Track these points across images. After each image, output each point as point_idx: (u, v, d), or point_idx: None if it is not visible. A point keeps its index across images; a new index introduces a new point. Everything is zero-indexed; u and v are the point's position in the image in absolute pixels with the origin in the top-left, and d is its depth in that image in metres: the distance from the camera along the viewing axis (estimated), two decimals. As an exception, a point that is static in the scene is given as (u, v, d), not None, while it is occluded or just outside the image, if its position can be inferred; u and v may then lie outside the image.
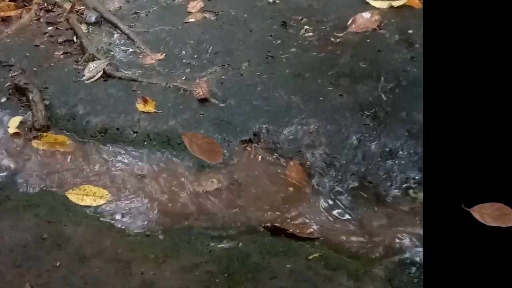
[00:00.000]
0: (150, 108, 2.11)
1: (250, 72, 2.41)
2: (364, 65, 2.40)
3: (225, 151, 1.92)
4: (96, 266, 1.42)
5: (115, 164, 1.87)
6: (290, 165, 1.84)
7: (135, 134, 1.99)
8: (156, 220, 1.67)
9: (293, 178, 1.80)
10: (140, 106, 2.11)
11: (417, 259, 1.51)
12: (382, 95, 2.17)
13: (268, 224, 1.58)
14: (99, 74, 2.27)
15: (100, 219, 1.63)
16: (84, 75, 2.29)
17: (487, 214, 1.37)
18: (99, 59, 2.37)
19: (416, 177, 1.79)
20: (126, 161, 1.89)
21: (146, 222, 1.65)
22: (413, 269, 1.45)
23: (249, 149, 1.96)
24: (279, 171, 1.84)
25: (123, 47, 2.59)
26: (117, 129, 2.00)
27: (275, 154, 1.92)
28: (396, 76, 2.27)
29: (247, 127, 2.04)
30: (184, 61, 2.52)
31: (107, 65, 2.34)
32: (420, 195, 1.70)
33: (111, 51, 2.52)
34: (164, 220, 1.66)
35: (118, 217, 1.66)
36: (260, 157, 1.92)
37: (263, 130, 2.03)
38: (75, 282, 1.37)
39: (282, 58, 2.50)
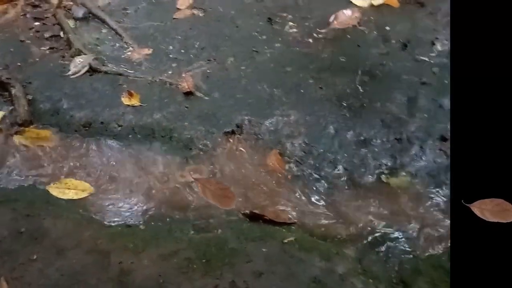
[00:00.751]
0: (135, 101, 2.12)
1: (235, 66, 2.44)
2: (343, 60, 2.45)
3: (208, 142, 1.95)
4: (74, 258, 1.41)
5: (99, 157, 1.86)
6: (270, 155, 1.88)
7: (120, 127, 1.99)
8: (138, 211, 1.66)
9: (273, 167, 1.84)
10: (126, 100, 2.12)
11: (386, 239, 1.56)
12: (359, 87, 2.23)
13: (247, 211, 1.61)
14: (85, 69, 2.27)
15: (81, 212, 1.61)
16: (69, 70, 2.27)
17: (487, 209, 1.39)
18: (85, 54, 2.35)
19: (388, 164, 1.85)
20: (110, 154, 1.88)
21: (128, 213, 1.64)
22: (382, 249, 1.51)
23: (231, 140, 1.99)
24: (260, 160, 1.88)
25: (110, 43, 2.58)
26: (102, 122, 1.99)
27: (257, 144, 1.96)
28: (373, 70, 2.33)
29: (230, 119, 2.07)
30: (171, 56, 2.54)
31: (93, 59, 2.33)
32: (392, 180, 1.76)
33: (98, 46, 2.51)
34: (146, 210, 1.67)
35: (100, 209, 1.63)
36: (242, 147, 1.96)
37: (245, 122, 2.06)
38: (51, 274, 1.35)
39: (266, 53, 2.54)
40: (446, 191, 1.74)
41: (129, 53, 2.53)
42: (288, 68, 2.41)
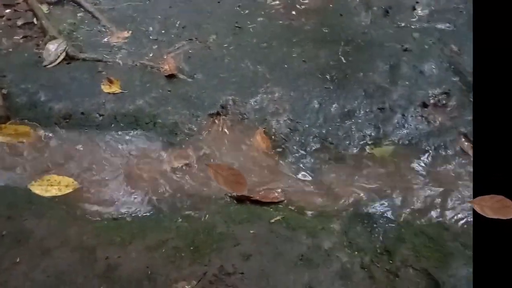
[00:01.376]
0: (116, 88, 2.04)
1: (218, 44, 2.35)
2: (326, 30, 2.37)
3: (193, 126, 1.90)
4: (59, 257, 1.36)
5: (81, 149, 1.79)
6: (256, 134, 1.84)
7: (101, 117, 1.92)
8: (125, 203, 1.62)
9: (259, 146, 1.81)
10: (106, 88, 2.04)
11: (371, 211, 1.57)
12: (342, 58, 2.17)
13: (234, 194, 1.59)
14: (61, 58, 2.16)
15: (66, 208, 1.54)
16: (45, 59, 2.16)
17: (487, 206, 1.36)
18: (61, 41, 2.24)
19: (372, 134, 1.84)
20: (93, 145, 1.81)
21: (114, 206, 1.60)
22: (367, 221, 1.52)
23: (217, 122, 1.94)
24: (246, 140, 1.84)
25: (87, 27, 2.46)
26: (82, 113, 1.92)
27: (242, 124, 1.91)
28: (355, 39, 2.26)
29: (215, 100, 2.01)
30: (151, 37, 2.43)
31: (68, 46, 2.21)
32: (376, 150, 1.75)
33: (74, 32, 2.39)
34: (132, 202, 1.63)
35: (85, 204, 1.57)
36: (228, 128, 1.91)
37: (230, 102, 2.01)
38: (36, 276, 1.30)
39: (249, 29, 2.44)
40: (428, 158, 1.73)
41: (108, 37, 2.42)
42: (272, 43, 2.33)
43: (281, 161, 1.77)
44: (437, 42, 2.21)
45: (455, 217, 1.53)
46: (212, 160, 1.77)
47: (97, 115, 1.93)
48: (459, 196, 1.60)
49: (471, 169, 1.67)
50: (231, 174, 1.58)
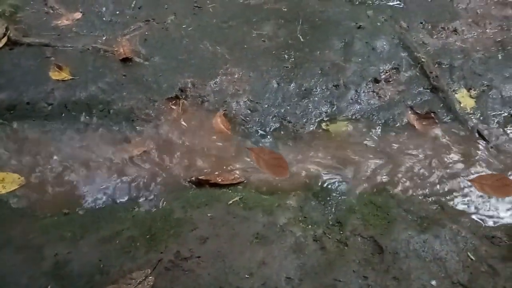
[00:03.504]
0: (65, 75, 1.85)
1: (176, 25, 2.18)
2: (285, 9, 2.25)
3: (151, 112, 1.77)
4: (2, 259, 1.25)
5: (28, 142, 1.62)
6: (216, 117, 1.74)
7: (50, 106, 1.74)
8: (77, 196, 1.50)
9: (219, 129, 1.72)
10: (54, 74, 1.84)
11: (325, 185, 1.58)
12: (300, 37, 2.09)
13: (192, 178, 1.51)
14: (3, 43, 1.90)
15: (12, 206, 1.41)
16: (-16, 45, 1.92)
17: (487, 184, 1.29)
18: (2, 24, 1.96)
19: (328, 111, 1.80)
20: (41, 137, 1.65)
21: (65, 200, 1.46)
22: (322, 195, 1.51)
23: (176, 106, 1.80)
24: (206, 124, 1.74)
25: (32, 8, 2.19)
26: (28, 103, 1.73)
27: (202, 107, 1.80)
28: (313, 17, 2.19)
29: (173, 83, 1.88)
30: (104, 19, 2.21)
31: (10, 30, 1.95)
32: (331, 126, 1.73)
33: (17, 14, 2.11)
34: (85, 194, 1.52)
35: (32, 200, 1.44)
36: (187, 112, 1.79)
37: (189, 85, 1.88)
38: None
39: (209, 8, 2.28)
40: (378, 131, 1.72)
41: (56, 19, 2.16)
42: (231, 23, 2.19)
43: (241, 143, 1.69)
44: (389, 19, 2.16)
45: (400, 185, 1.57)
46: (170, 146, 1.65)
47: (45, 104, 1.74)
48: (405, 166, 1.64)
49: (417, 140, 1.68)
50: (272, 158, 1.51)
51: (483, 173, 1.53)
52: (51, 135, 1.65)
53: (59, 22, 2.16)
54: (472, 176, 1.50)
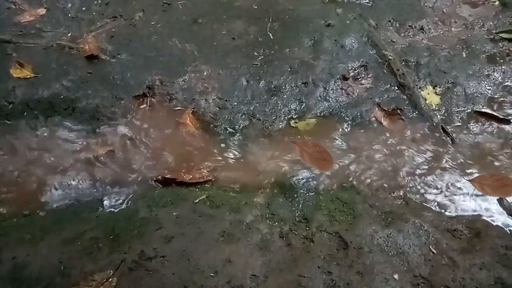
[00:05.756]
0: (27, 72, 1.78)
1: (144, 22, 2.13)
2: (256, 7, 2.24)
3: (117, 110, 1.72)
4: None
5: None
6: (184, 115, 1.71)
7: (11, 105, 1.67)
8: (38, 196, 1.45)
9: (187, 127, 1.70)
10: (16, 72, 1.77)
11: (293, 182, 1.58)
12: (270, 35, 2.08)
13: (159, 177, 1.48)
14: (-42, 39, 1.81)
15: None
16: None
17: (487, 184, 1.27)
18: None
19: (297, 108, 1.80)
20: (1, 137, 1.57)
21: (24, 201, 1.41)
22: (289, 192, 1.50)
23: (143, 104, 1.77)
24: (174, 122, 1.71)
25: (-6, 4, 2.08)
26: (-13, 101, 1.65)
27: (170, 105, 1.76)
28: (283, 15, 2.18)
29: (140, 81, 1.84)
30: (70, 15, 2.14)
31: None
32: (300, 123, 1.73)
33: (-24, 10, 2.01)
34: (47, 195, 1.46)
35: None
36: (155, 110, 1.76)
37: (157, 82, 1.85)
38: None
39: (178, 5, 2.24)
40: (346, 128, 1.74)
41: (18, 15, 2.08)
42: (201, 20, 2.16)
43: (209, 141, 1.67)
44: (358, 18, 2.18)
45: (366, 181, 1.58)
46: (136, 144, 1.62)
47: (6, 103, 1.67)
48: (371, 161, 1.65)
49: (384, 136, 1.71)
50: (316, 151, 1.47)
51: (447, 168, 1.56)
52: (11, 135, 1.58)
53: (21, 18, 2.08)
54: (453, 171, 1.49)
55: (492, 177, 1.37)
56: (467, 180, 1.41)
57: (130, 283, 1.17)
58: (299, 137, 1.68)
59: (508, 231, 1.40)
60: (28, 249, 1.22)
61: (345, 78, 1.91)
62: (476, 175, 1.52)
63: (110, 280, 1.17)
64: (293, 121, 1.76)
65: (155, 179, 1.51)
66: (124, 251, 1.23)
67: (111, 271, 1.18)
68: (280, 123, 1.76)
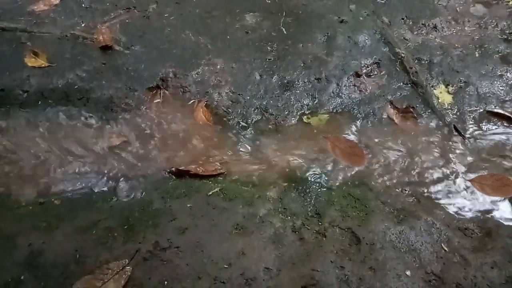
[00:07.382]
0: (42, 62, 1.76)
1: (158, 14, 2.11)
2: (269, 1, 2.22)
3: (131, 101, 1.71)
4: None
5: (2, 130, 1.53)
6: (198, 108, 1.70)
7: (26, 93, 1.66)
8: (54, 185, 1.44)
9: (201, 120, 1.69)
10: (30, 61, 1.75)
11: (305, 177, 1.57)
12: (283, 29, 2.05)
13: (172, 169, 1.47)
14: (-27, 27, 1.80)
15: None
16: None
17: (487, 184, 1.27)
18: (-26, 9, 1.86)
19: (309, 104, 1.78)
20: (16, 125, 1.56)
21: (40, 190, 1.40)
22: (302, 187, 1.50)
23: (157, 96, 1.75)
24: (187, 114, 1.70)
25: (7, -7, 2.06)
26: (2, 90, 1.64)
27: (183, 98, 1.75)
28: (297, 10, 2.15)
29: (154, 73, 1.82)
30: (83, 5, 2.12)
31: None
32: (312, 119, 1.72)
33: (-9, -2, 2.00)
34: (62, 184, 1.45)
35: (2, 189, 1.37)
36: (168, 103, 1.74)
37: (170, 75, 1.83)
38: None
39: (192, -3, 2.19)
40: (359, 124, 1.72)
41: (33, 4, 2.06)
42: (215, 13, 2.14)
43: (222, 134, 1.66)
44: (371, 14, 2.15)
45: (379, 179, 1.56)
46: (150, 136, 1.61)
47: (21, 91, 1.66)
48: (384, 159, 1.64)
49: (396, 134, 1.69)
50: (348, 146, 1.47)
51: (458, 167, 1.55)
52: (26, 123, 1.57)
53: (36, 7, 2.07)
54: (465, 171, 1.48)
55: (492, 177, 1.36)
56: (467, 180, 1.40)
57: (144, 273, 1.18)
58: (305, 133, 1.67)
59: (520, 231, 1.39)
60: (43, 236, 1.22)
61: (358, 75, 1.89)
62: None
63: (125, 269, 1.17)
64: (305, 116, 1.75)
65: (168, 170, 1.50)
66: (138, 241, 1.23)
67: (126, 260, 1.18)
68: (293, 118, 1.74)
